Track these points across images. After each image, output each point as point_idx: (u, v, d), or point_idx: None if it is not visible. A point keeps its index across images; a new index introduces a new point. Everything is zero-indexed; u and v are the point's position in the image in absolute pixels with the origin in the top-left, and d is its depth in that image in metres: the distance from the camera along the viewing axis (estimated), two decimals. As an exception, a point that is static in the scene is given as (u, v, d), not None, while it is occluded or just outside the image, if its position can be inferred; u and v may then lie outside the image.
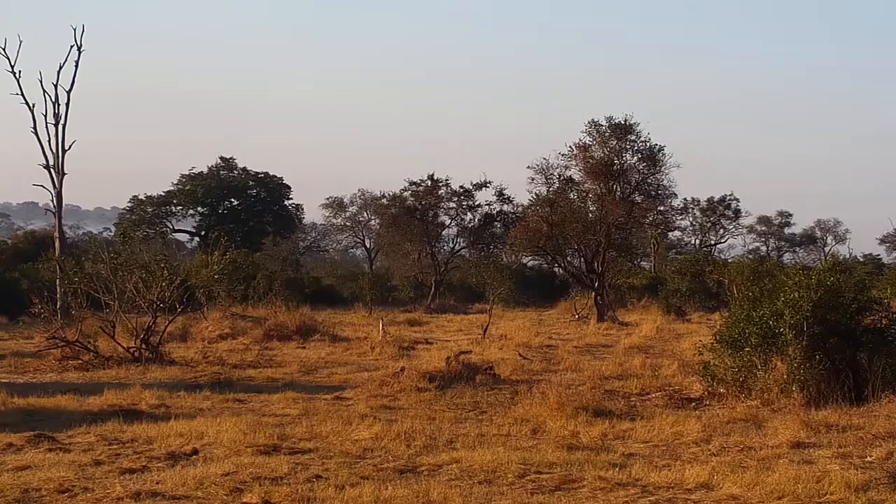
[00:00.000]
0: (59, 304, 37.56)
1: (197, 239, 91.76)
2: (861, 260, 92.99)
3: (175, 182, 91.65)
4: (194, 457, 15.01)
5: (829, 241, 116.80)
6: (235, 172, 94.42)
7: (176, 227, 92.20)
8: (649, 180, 56.35)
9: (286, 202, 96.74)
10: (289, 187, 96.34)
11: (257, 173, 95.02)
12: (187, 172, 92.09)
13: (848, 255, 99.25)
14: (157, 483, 13.15)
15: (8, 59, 48.13)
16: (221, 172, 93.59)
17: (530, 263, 71.28)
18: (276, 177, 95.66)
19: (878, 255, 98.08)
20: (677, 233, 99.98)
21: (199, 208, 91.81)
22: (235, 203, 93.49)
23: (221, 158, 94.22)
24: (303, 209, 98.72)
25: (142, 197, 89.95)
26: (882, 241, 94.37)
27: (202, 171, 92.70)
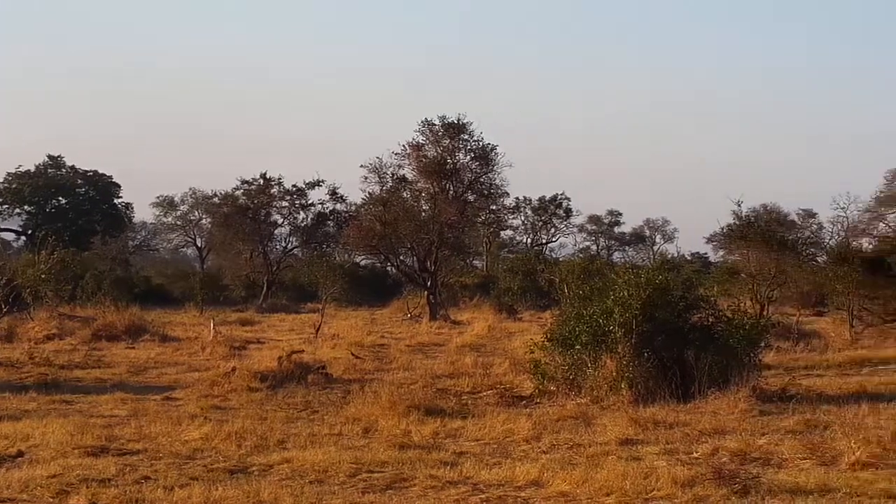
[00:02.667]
0: None
1: (23, 238, 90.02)
2: (689, 258, 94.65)
3: (0, 180, 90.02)
4: (19, 459, 14.71)
5: (657, 239, 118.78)
6: (63, 171, 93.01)
7: (1, 227, 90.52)
8: (482, 179, 56.76)
9: (115, 201, 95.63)
10: (118, 185, 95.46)
11: (86, 171, 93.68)
12: (13, 171, 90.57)
13: (676, 254, 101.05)
14: (-21, 487, 12.84)
15: None
16: (49, 171, 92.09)
17: (363, 262, 71.26)
18: (105, 175, 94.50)
19: (706, 253, 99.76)
20: (509, 232, 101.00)
21: (25, 207, 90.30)
22: (64, 202, 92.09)
23: (49, 157, 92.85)
24: (132, 208, 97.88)
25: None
26: (709, 240, 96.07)
27: (29, 170, 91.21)
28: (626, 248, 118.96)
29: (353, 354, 29.88)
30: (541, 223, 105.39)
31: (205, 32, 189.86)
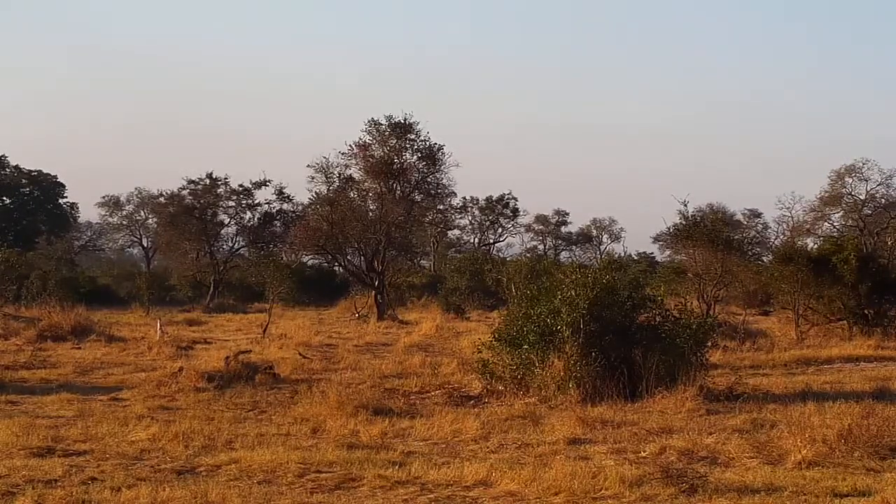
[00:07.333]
0: None
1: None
2: (635, 258, 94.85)
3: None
4: (-37, 461, 14.54)
5: (604, 239, 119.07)
6: (7, 171, 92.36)
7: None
8: (429, 179, 56.80)
9: (60, 200, 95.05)
10: (63, 185, 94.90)
11: (30, 171, 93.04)
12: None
13: (623, 254, 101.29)
14: (-78, 490, 12.70)
15: None
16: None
17: (311, 262, 71.10)
18: (49, 175, 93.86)
19: (652, 252, 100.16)
20: (457, 231, 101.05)
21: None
22: (7, 202, 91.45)
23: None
24: (77, 208, 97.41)
25: None
26: (655, 240, 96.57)
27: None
28: (574, 247, 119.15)
29: (300, 354, 29.78)
30: (488, 223, 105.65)
31: (148, 25, 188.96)
